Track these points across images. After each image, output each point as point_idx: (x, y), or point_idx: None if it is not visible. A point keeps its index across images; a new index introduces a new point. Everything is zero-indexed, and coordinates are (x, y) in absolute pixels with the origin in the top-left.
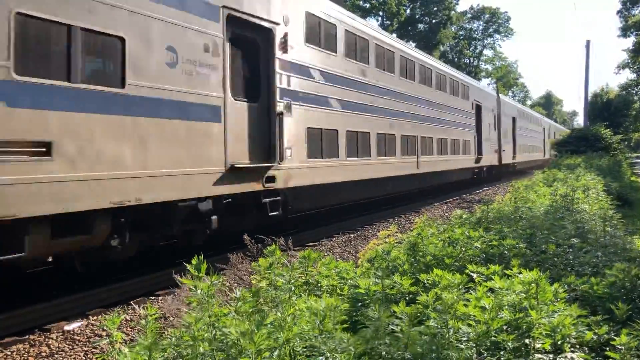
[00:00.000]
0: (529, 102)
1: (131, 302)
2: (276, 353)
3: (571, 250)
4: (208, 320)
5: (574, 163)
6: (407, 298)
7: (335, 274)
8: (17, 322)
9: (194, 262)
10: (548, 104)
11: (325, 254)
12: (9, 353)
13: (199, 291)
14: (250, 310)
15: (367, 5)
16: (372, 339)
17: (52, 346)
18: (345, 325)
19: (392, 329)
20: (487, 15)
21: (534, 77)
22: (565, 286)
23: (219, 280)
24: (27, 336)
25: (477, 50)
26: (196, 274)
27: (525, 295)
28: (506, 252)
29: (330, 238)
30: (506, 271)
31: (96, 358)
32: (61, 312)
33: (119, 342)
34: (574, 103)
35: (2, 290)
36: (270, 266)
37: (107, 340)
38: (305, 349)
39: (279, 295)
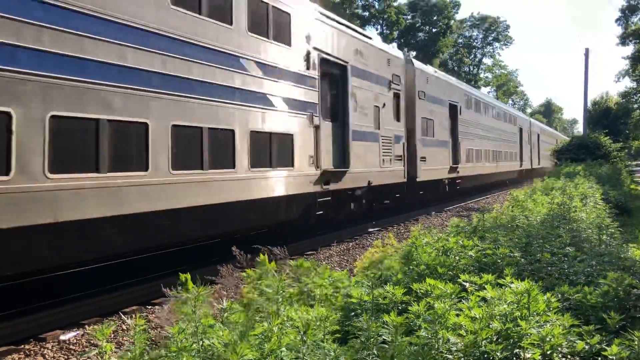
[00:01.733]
0: (529, 110)
1: (120, 312)
2: None
3: (566, 259)
4: (195, 331)
5: (573, 171)
6: (399, 308)
7: (329, 284)
8: (13, 331)
9: (182, 276)
10: (548, 112)
11: (323, 263)
12: None
13: (188, 302)
14: (239, 321)
15: (367, 14)
16: (360, 350)
17: (47, 356)
18: (337, 336)
19: (384, 339)
20: (486, 24)
21: (534, 85)
22: (559, 295)
23: (206, 292)
24: (22, 346)
25: (477, 59)
26: (187, 286)
27: (516, 306)
28: (499, 261)
29: (329, 246)
30: (499, 281)
31: None
32: (57, 321)
33: (109, 353)
34: (574, 111)
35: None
36: (260, 277)
37: (96, 351)
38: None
39: (268, 306)
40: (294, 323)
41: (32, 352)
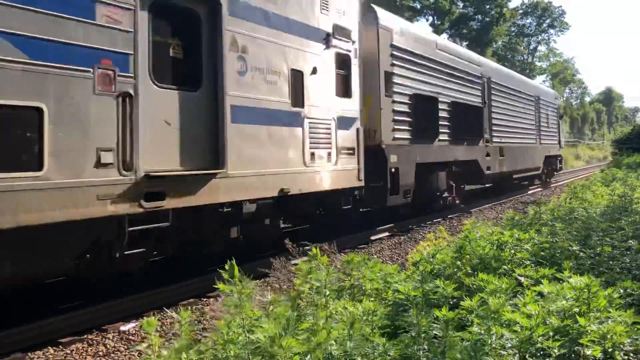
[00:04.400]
0: (587, 99)
1: (164, 307)
2: (307, 358)
3: (628, 252)
4: (242, 324)
5: (635, 162)
6: (450, 303)
7: (380, 278)
8: (76, 322)
9: (227, 267)
10: (608, 100)
11: (374, 257)
12: (68, 352)
13: (235, 295)
14: (286, 313)
15: (418, 5)
16: (410, 344)
17: (108, 346)
18: (387, 330)
19: (435, 334)
20: (539, 11)
21: (593, 73)
22: (621, 291)
23: (253, 284)
24: (85, 336)
25: (531, 47)
26: (230, 279)
27: (575, 302)
28: (557, 254)
29: (380, 240)
30: (557, 275)
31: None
32: (118, 312)
33: (158, 345)
34: (637, 99)
35: (61, 293)
36: (311, 270)
37: (147, 344)
38: (342, 354)
39: (317, 300)
40: (341, 317)
41: (94, 341)
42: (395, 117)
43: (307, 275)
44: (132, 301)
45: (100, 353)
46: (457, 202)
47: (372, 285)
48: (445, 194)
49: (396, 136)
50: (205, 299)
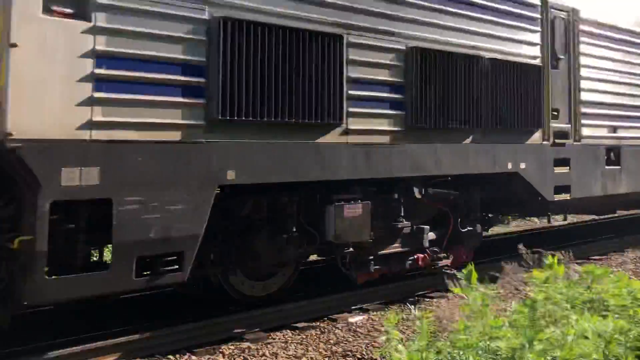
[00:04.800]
0: None
1: (406, 302)
2: None
3: None
4: (482, 330)
5: None
6: None
7: (627, 294)
8: (307, 310)
9: (464, 271)
10: None
11: (615, 270)
12: (304, 336)
13: (471, 299)
14: (526, 324)
15: None
16: None
17: (338, 335)
18: (637, 352)
19: None
20: None
21: None
22: None
23: (493, 291)
24: (317, 323)
25: None
26: (467, 282)
27: None
28: None
29: (622, 252)
30: None
31: (376, 351)
32: (344, 305)
33: (396, 340)
34: None
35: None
36: (547, 280)
37: (386, 337)
38: None
39: (557, 312)
40: (584, 332)
41: (325, 330)
42: (107, 71)
43: (544, 284)
44: (358, 295)
45: (331, 341)
46: (444, 262)
47: (616, 301)
48: (394, 249)
49: (106, 119)
50: (428, 299)
